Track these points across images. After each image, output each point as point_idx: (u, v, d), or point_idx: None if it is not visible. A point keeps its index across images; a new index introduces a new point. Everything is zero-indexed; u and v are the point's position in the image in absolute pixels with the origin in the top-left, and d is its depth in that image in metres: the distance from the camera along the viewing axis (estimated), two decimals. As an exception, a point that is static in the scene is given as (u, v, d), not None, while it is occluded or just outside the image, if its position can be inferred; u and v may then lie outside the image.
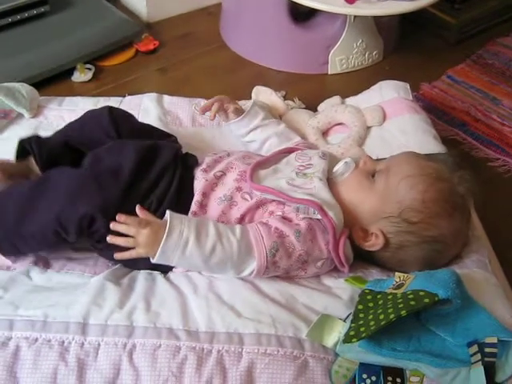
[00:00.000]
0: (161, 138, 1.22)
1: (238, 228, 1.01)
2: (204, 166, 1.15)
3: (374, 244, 1.06)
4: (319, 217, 1.03)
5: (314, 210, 1.03)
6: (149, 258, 1.00)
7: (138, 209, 1.00)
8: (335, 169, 1.14)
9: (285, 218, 1.04)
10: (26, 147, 1.17)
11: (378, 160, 1.18)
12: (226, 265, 0.99)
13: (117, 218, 0.97)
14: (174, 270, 1.07)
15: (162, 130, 1.28)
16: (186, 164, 1.16)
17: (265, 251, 0.99)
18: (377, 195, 1.07)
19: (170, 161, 1.12)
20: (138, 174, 1.08)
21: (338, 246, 1.03)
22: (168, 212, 0.98)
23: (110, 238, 0.97)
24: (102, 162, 1.09)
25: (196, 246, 0.96)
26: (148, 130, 1.25)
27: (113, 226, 0.98)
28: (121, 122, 1.20)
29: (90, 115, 1.23)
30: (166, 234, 0.95)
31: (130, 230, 0.97)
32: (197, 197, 1.09)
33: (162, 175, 1.10)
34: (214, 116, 1.28)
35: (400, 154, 1.15)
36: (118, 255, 0.99)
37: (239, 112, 1.29)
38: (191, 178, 1.13)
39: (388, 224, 1.05)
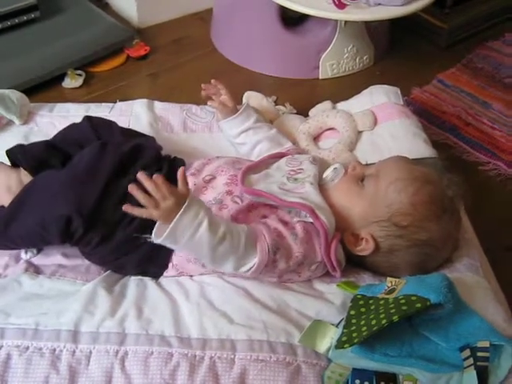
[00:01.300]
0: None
1: (244, 225, 1.01)
2: (192, 170, 1.15)
3: (364, 249, 1.06)
4: (311, 220, 1.03)
5: (305, 214, 1.04)
6: (139, 265, 1.03)
7: (180, 172, 0.97)
8: (325, 175, 1.15)
9: (281, 221, 1.04)
10: (13, 158, 1.18)
11: (367, 165, 1.18)
12: (230, 257, 0.98)
13: (154, 177, 0.94)
14: (164, 274, 1.07)
15: (142, 133, 1.28)
16: (173, 167, 1.15)
17: (267, 247, 0.99)
18: (366, 200, 1.08)
19: (152, 160, 1.13)
20: (116, 173, 1.08)
21: (329, 250, 1.03)
22: (190, 193, 0.97)
23: (131, 187, 0.94)
24: (81, 162, 1.10)
25: (208, 231, 0.95)
26: (129, 134, 1.25)
27: (143, 179, 0.95)
28: (100, 127, 1.21)
29: (71, 125, 1.24)
30: (183, 209, 0.93)
31: (158, 193, 0.94)
32: None
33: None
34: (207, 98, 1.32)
35: (389, 158, 1.16)
36: (127, 207, 0.95)
37: (231, 109, 1.31)
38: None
39: (378, 228, 1.05)
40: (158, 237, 0.95)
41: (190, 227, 0.94)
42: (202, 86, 1.33)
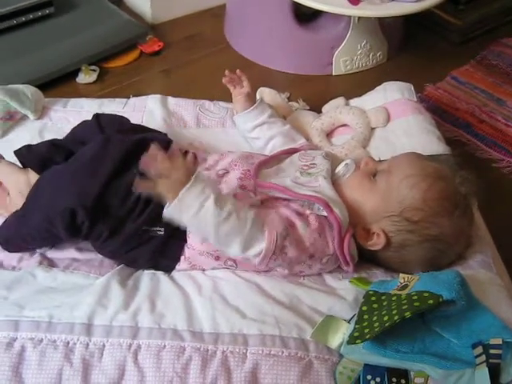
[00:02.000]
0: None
1: (254, 208, 1.01)
2: (206, 165, 1.16)
3: (375, 243, 1.06)
4: (325, 213, 1.03)
5: (319, 207, 1.04)
6: (150, 258, 1.05)
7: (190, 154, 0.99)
8: (337, 170, 1.15)
9: (294, 211, 1.04)
10: (20, 159, 1.20)
11: (380, 161, 1.18)
12: (236, 237, 0.97)
13: (169, 152, 0.96)
14: (177, 267, 1.08)
15: (154, 129, 1.28)
16: None
17: (275, 233, 0.98)
18: (378, 195, 1.08)
19: None
20: (120, 166, 1.08)
21: (343, 244, 1.04)
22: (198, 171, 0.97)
23: (143, 160, 0.94)
24: (83, 156, 1.11)
25: (213, 206, 0.95)
26: (140, 130, 1.25)
27: (158, 152, 0.95)
28: (106, 122, 1.22)
29: (81, 123, 1.26)
30: (190, 183, 0.94)
31: (164, 163, 0.95)
32: None
33: None
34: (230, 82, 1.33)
35: (401, 154, 1.15)
36: (137, 182, 0.95)
37: (249, 102, 1.32)
38: None
39: (389, 223, 1.05)
40: (166, 209, 0.96)
41: (197, 200, 0.94)
42: (226, 72, 1.33)
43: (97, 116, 1.24)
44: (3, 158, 1.24)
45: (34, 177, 1.16)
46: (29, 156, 1.19)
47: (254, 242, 0.98)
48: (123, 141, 1.13)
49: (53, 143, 1.21)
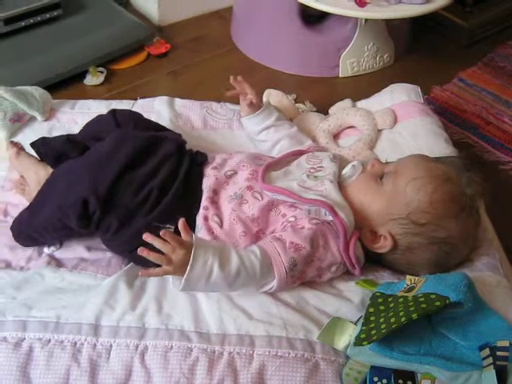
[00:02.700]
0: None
1: (256, 249, 1.00)
2: (214, 164, 1.16)
3: (382, 246, 1.06)
4: (330, 218, 1.03)
5: (325, 211, 1.04)
6: None
7: (180, 224, 0.96)
8: (343, 172, 1.15)
9: (297, 226, 1.04)
10: (34, 150, 1.22)
11: (386, 163, 1.18)
12: (250, 285, 1.00)
13: (161, 233, 0.93)
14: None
15: (168, 128, 1.29)
16: (195, 161, 1.17)
17: (284, 268, 0.99)
18: (385, 197, 1.08)
19: (172, 151, 1.14)
20: (134, 160, 1.09)
21: (348, 247, 1.04)
22: (194, 238, 0.95)
23: (141, 251, 0.92)
24: (99, 149, 1.12)
25: (221, 273, 0.95)
26: (154, 127, 1.26)
27: (150, 239, 0.94)
28: (122, 118, 1.23)
29: (96, 117, 1.27)
30: (190, 264, 0.93)
31: (166, 248, 0.94)
32: (208, 193, 1.10)
33: (161, 164, 1.11)
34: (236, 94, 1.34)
35: (408, 156, 1.15)
36: (144, 272, 0.95)
37: (256, 106, 1.32)
38: (200, 174, 1.14)
39: (396, 226, 1.05)
40: (176, 287, 0.97)
41: (202, 276, 0.94)
42: (231, 79, 1.33)
43: (114, 111, 1.25)
44: (23, 150, 1.25)
45: (51, 170, 1.19)
46: (44, 148, 1.21)
47: (266, 282, 1.00)
48: (137, 136, 1.14)
49: (68, 139, 1.22)
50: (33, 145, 1.23)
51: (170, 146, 1.15)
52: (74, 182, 1.07)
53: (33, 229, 1.10)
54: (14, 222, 1.14)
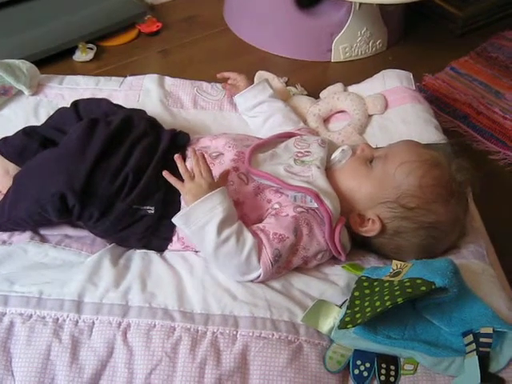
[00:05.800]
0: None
1: (252, 237, 1.00)
2: (198, 146, 1.15)
3: (370, 229, 1.06)
4: (316, 205, 1.03)
5: (310, 199, 1.03)
6: (142, 237, 1.06)
7: (224, 172, 1.06)
8: (333, 156, 1.14)
9: (281, 213, 1.04)
10: None
11: (376, 148, 1.17)
12: (232, 261, 0.99)
13: (197, 155, 1.02)
14: (169, 248, 1.08)
15: (133, 109, 1.26)
16: (176, 141, 1.16)
17: (269, 261, 0.99)
18: (374, 181, 1.07)
19: (145, 131, 1.13)
20: (106, 148, 1.07)
21: (334, 235, 1.03)
22: (222, 188, 1.00)
23: (177, 156, 1.02)
24: (70, 140, 1.10)
25: (217, 227, 0.97)
26: (116, 111, 1.23)
27: (193, 154, 1.02)
28: (85, 110, 1.20)
29: (58, 109, 1.25)
30: (202, 198, 0.98)
31: (196, 168, 1.01)
32: None
33: (134, 147, 1.09)
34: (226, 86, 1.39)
35: (399, 141, 1.15)
36: (167, 173, 1.03)
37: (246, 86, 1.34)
38: (182, 155, 1.11)
39: (385, 209, 1.05)
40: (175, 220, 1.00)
41: (203, 217, 0.97)
42: (218, 75, 1.37)
43: (75, 104, 1.22)
44: None
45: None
46: (5, 149, 1.18)
47: (250, 271, 1.00)
48: (108, 122, 1.12)
49: (23, 132, 1.19)
50: None
51: (141, 126, 1.14)
52: (49, 175, 1.05)
53: (13, 222, 1.09)
54: None
